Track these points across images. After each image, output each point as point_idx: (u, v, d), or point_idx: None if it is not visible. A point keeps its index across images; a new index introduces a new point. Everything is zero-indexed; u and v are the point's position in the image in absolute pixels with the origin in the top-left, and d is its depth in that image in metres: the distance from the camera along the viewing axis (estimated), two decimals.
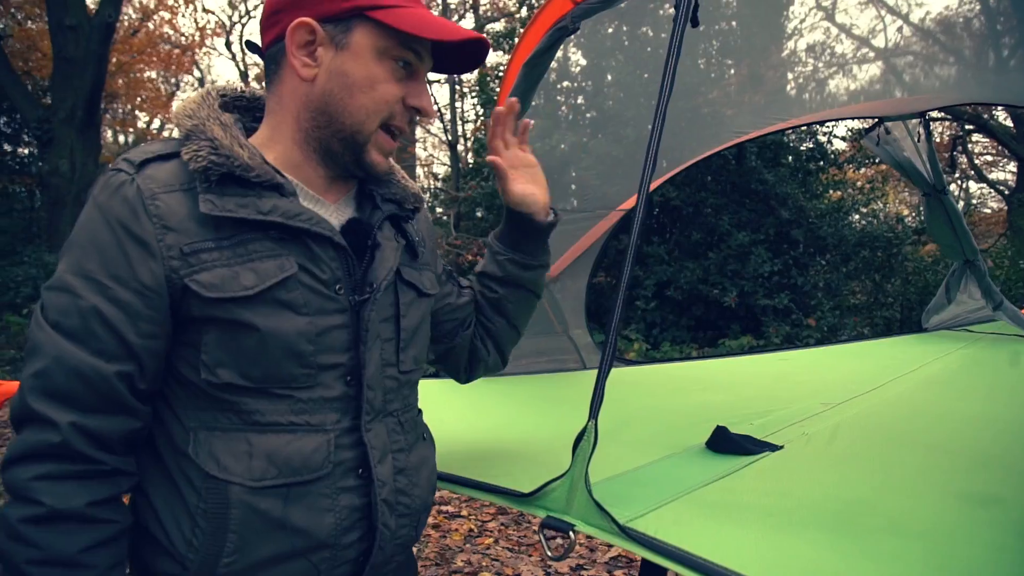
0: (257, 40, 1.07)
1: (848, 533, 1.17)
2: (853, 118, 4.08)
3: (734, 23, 4.52)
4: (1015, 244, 11.05)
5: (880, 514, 1.27)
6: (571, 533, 1.12)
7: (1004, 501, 1.38)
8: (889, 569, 1.03)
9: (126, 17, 14.99)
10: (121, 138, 19.91)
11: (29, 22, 13.62)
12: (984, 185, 18.39)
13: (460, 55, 1.06)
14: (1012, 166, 16.82)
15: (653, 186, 2.87)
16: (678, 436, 1.73)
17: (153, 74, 18.73)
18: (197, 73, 21.25)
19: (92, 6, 12.28)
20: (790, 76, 3.94)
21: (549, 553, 1.17)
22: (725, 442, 1.62)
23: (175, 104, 1.23)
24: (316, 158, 1.02)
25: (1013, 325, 3.36)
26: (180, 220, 0.91)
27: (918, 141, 3.01)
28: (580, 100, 6.25)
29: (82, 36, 11.32)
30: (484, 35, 1.03)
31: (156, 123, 20.29)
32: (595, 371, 2.84)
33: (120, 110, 18.77)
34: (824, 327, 8.49)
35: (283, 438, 0.95)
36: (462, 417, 2.10)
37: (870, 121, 3.14)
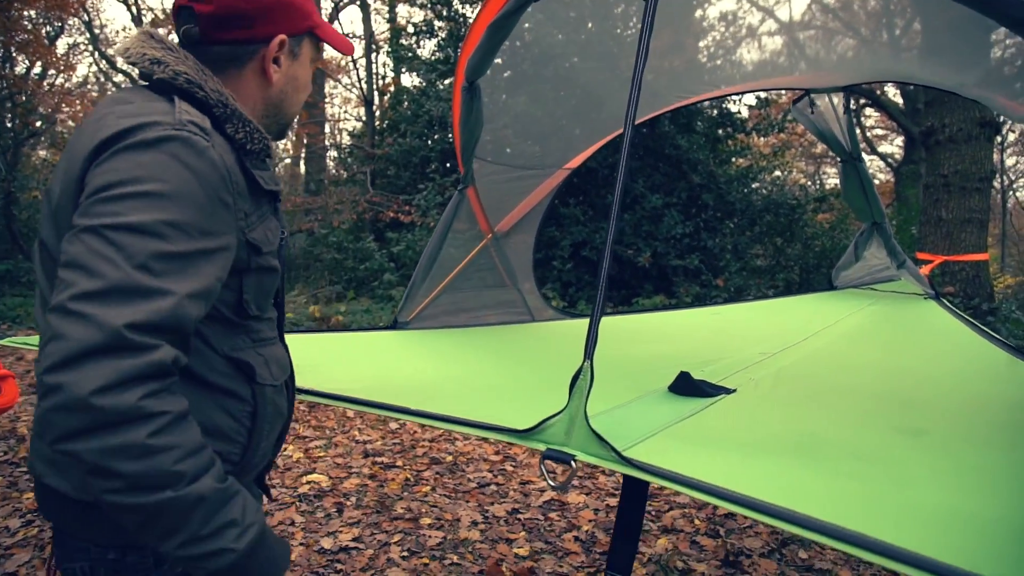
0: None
1: (813, 458, 1.33)
2: (784, 89, 4.31)
3: None
4: (902, 212, 11.86)
5: (835, 443, 1.44)
6: (572, 463, 1.23)
7: (929, 432, 1.58)
8: (856, 484, 1.19)
9: None
10: None
11: None
12: (875, 157, 19.53)
13: None
14: (900, 140, 17.90)
15: (596, 147, 2.99)
16: (640, 381, 1.86)
17: (33, 14, 17.26)
18: (85, 16, 19.79)
19: None
20: (702, 44, 4.11)
21: (551, 484, 1.28)
22: (687, 386, 1.76)
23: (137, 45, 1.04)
24: None
25: (914, 283, 3.68)
26: (242, 187, 1.10)
27: (843, 113, 3.24)
28: (497, 60, 6.31)
29: None
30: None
31: (37, 69, 18.76)
32: (545, 323, 2.96)
33: None
34: (731, 287, 8.91)
35: (274, 348, 1.25)
36: (427, 365, 2.17)
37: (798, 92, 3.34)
